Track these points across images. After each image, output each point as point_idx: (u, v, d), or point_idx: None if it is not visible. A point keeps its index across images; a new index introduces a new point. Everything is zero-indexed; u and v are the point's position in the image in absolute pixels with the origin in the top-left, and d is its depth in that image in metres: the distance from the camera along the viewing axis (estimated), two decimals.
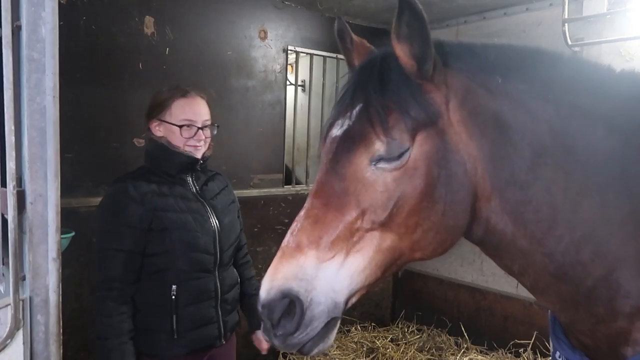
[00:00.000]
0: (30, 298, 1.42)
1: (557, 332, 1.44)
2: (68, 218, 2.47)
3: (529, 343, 4.35)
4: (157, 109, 2.28)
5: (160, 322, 2.19)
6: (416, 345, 4.83)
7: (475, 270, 4.85)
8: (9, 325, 1.37)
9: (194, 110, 2.26)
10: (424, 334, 5.04)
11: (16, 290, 1.38)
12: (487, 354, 4.62)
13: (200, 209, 2.29)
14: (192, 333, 2.23)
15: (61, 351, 1.48)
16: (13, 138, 1.36)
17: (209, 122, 2.32)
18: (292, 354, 4.44)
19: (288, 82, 4.66)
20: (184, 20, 3.85)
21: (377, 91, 1.21)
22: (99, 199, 2.30)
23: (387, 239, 1.19)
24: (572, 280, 1.24)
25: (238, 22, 4.20)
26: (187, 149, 2.27)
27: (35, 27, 1.36)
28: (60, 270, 1.45)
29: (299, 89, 5.38)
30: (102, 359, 2.10)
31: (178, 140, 2.25)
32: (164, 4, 3.73)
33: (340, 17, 1.44)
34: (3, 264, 1.60)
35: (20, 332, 1.40)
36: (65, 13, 3.07)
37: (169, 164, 2.28)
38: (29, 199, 1.38)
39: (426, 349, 4.75)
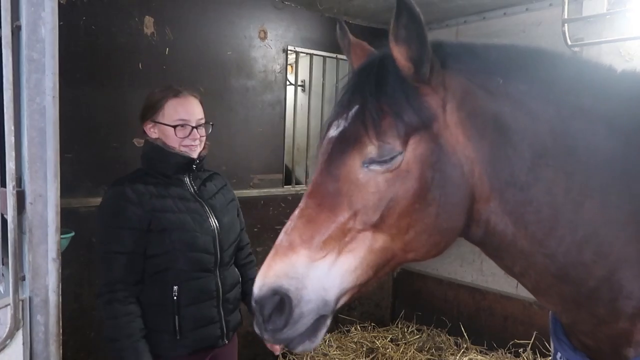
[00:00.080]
0: (30, 298, 1.42)
1: (558, 332, 1.44)
2: (68, 218, 2.47)
3: (529, 343, 4.35)
4: (150, 110, 2.28)
5: (162, 322, 2.19)
6: (416, 345, 4.83)
7: (475, 270, 4.85)
8: (8, 326, 1.37)
9: (187, 109, 2.26)
10: (424, 334, 5.04)
11: (16, 291, 1.38)
12: (486, 354, 4.62)
13: (198, 209, 2.29)
14: (194, 333, 2.23)
15: (61, 351, 1.48)
16: (13, 138, 1.36)
17: (203, 121, 2.32)
18: (292, 354, 4.44)
19: (288, 82, 4.66)
20: (184, 20, 3.85)
21: (372, 94, 1.22)
22: (99, 199, 2.30)
23: (379, 240, 1.20)
24: (574, 281, 1.24)
25: (238, 22, 4.20)
26: (183, 149, 2.26)
27: (35, 27, 1.36)
28: (60, 271, 1.45)
29: (299, 89, 5.39)
30: None
31: (173, 140, 2.25)
32: (163, 4, 3.73)
33: (341, 21, 1.45)
34: (3, 264, 1.60)
35: (20, 332, 1.40)
36: (65, 13, 3.08)
37: (165, 165, 2.28)
38: (28, 199, 1.38)
39: (426, 349, 4.75)
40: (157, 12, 3.69)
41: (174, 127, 2.23)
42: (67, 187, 2.80)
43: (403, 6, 1.12)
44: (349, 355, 4.63)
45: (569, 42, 3.57)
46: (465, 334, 4.83)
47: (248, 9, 4.25)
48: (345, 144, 1.22)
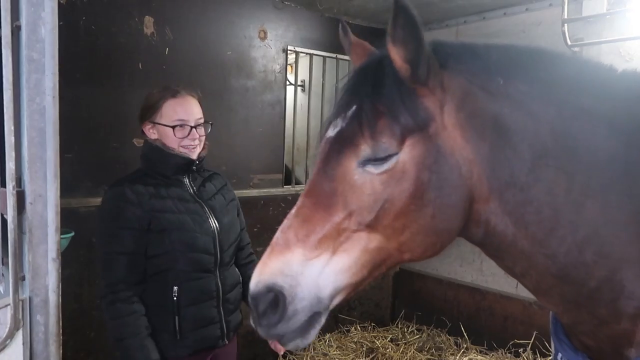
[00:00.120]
0: (30, 298, 1.42)
1: (558, 333, 1.44)
2: (68, 218, 2.47)
3: (529, 343, 4.35)
4: (148, 111, 2.27)
5: (162, 322, 2.19)
6: (416, 345, 4.83)
7: (475, 270, 4.85)
8: (8, 326, 1.37)
9: (186, 109, 2.26)
10: (424, 334, 5.04)
11: (16, 291, 1.38)
12: (486, 354, 4.62)
13: (198, 210, 2.29)
14: (194, 333, 2.23)
15: (61, 351, 1.48)
16: (13, 138, 1.35)
17: (201, 121, 2.31)
18: (291, 354, 4.44)
19: (288, 82, 4.66)
20: (184, 20, 3.85)
21: (369, 95, 1.22)
22: (99, 199, 2.30)
23: (374, 240, 1.20)
24: (575, 281, 1.24)
25: (238, 22, 4.20)
26: (182, 150, 2.26)
27: (35, 27, 1.36)
28: (60, 271, 1.45)
29: (299, 89, 5.39)
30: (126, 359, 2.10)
31: (172, 141, 2.24)
32: (163, 4, 3.73)
33: (343, 21, 1.45)
34: (3, 264, 1.60)
35: (20, 332, 1.40)
36: (65, 13, 3.07)
37: (164, 165, 2.28)
38: (28, 199, 1.38)
39: (426, 349, 4.75)
40: (157, 12, 3.69)
41: (173, 127, 2.23)
42: (67, 187, 2.80)
43: (399, 8, 1.12)
44: (348, 355, 4.63)
45: (569, 42, 3.57)
46: (465, 334, 4.83)
47: (248, 9, 4.24)
48: (341, 144, 1.23)
